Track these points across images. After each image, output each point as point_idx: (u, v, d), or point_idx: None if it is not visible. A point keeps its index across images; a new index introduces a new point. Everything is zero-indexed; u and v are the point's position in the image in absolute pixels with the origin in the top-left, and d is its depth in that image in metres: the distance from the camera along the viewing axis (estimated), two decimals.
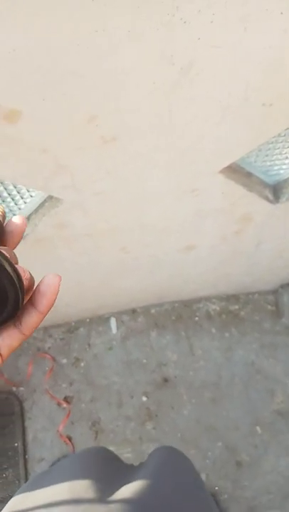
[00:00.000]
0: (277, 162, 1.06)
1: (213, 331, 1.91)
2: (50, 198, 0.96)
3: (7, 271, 0.31)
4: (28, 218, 1.01)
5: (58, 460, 1.64)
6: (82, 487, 0.66)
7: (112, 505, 0.61)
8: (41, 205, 0.99)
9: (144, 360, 1.84)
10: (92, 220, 1.07)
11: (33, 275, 0.36)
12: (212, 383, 1.80)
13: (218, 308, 1.97)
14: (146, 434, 1.70)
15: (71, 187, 0.88)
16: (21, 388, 1.78)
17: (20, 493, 0.70)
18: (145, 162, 0.85)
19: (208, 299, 1.98)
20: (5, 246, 0.38)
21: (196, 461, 1.64)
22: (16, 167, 0.77)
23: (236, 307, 1.97)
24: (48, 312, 0.35)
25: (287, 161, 1.06)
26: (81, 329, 1.91)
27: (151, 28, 0.55)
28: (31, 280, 0.35)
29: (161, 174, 0.91)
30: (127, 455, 1.65)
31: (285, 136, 0.98)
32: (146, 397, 1.77)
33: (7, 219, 0.39)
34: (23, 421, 1.73)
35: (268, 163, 1.06)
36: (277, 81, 0.69)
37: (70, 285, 1.47)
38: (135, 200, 1.01)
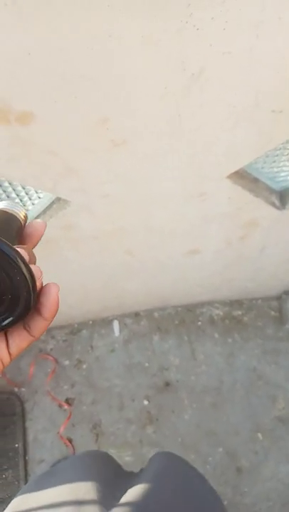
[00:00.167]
0: (284, 168, 1.06)
1: (216, 336, 1.91)
2: (58, 199, 0.97)
3: (22, 272, 0.31)
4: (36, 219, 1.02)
5: (58, 461, 1.64)
6: (83, 489, 0.66)
7: (114, 510, 0.61)
8: (49, 206, 1.00)
9: (146, 364, 1.84)
10: (99, 222, 1.07)
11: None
12: (213, 388, 1.80)
13: (221, 314, 1.96)
14: (147, 438, 1.69)
15: (79, 189, 0.89)
16: (23, 389, 1.78)
17: (22, 493, 0.70)
18: (154, 166, 0.86)
19: (211, 303, 1.98)
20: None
21: (196, 466, 1.63)
22: (26, 168, 0.78)
23: (239, 312, 1.97)
24: (53, 318, 0.36)
25: None
26: (84, 331, 1.92)
27: (165, 34, 0.55)
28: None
29: (169, 178, 0.92)
30: (127, 458, 1.65)
31: None
32: (148, 400, 1.76)
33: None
34: (24, 422, 1.73)
35: (275, 170, 1.07)
36: (287, 88, 0.69)
37: (74, 287, 1.48)
38: (142, 203, 1.02)
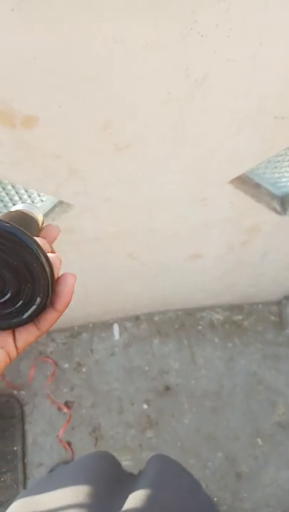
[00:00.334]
0: (286, 174, 1.07)
1: (216, 340, 1.91)
2: (61, 203, 0.97)
3: (39, 259, 0.31)
4: None
5: (57, 465, 1.63)
6: (84, 493, 0.66)
7: None
8: (51, 209, 1.00)
9: (146, 368, 1.84)
10: (102, 226, 1.08)
11: None
12: (213, 393, 1.79)
13: (221, 318, 1.96)
14: (146, 442, 1.69)
15: (82, 193, 0.89)
16: (22, 392, 1.78)
17: (23, 496, 0.70)
18: (156, 170, 0.86)
19: (211, 308, 1.98)
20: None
21: (195, 471, 1.63)
22: (29, 172, 0.78)
23: (240, 317, 1.97)
24: (64, 310, 0.36)
25: None
26: (84, 334, 1.92)
27: (169, 40, 0.56)
28: None
29: (171, 182, 0.92)
30: (126, 462, 1.64)
31: None
32: (147, 404, 1.76)
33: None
34: (23, 424, 1.73)
35: (277, 175, 1.07)
36: None
37: (75, 289, 1.47)
38: (144, 206, 1.02)
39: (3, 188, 0.93)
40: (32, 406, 1.76)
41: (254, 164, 0.90)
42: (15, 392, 1.78)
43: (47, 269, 0.32)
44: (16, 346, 0.36)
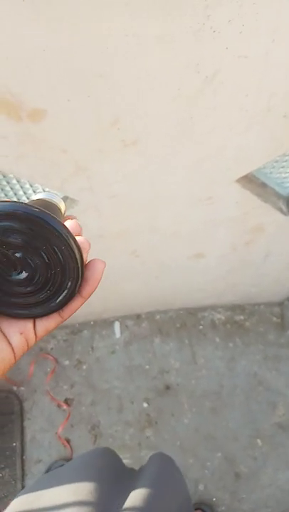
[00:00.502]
0: None
1: (217, 340, 1.91)
2: (66, 198, 0.97)
3: (68, 242, 0.31)
4: None
5: (55, 462, 1.63)
6: (86, 490, 0.66)
7: None
8: None
9: (147, 366, 1.84)
10: (106, 222, 1.07)
11: None
12: (213, 393, 1.79)
13: (223, 318, 1.96)
14: (146, 441, 1.68)
15: (88, 189, 0.88)
16: (22, 388, 1.78)
17: (24, 493, 0.70)
18: (163, 167, 0.86)
19: (213, 307, 1.98)
20: None
21: (194, 471, 1.63)
22: (35, 166, 0.78)
23: (241, 317, 1.96)
24: (89, 297, 0.35)
25: None
26: (85, 332, 1.91)
27: (181, 35, 0.55)
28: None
29: (177, 180, 0.91)
30: (125, 461, 1.63)
31: None
32: (147, 403, 1.76)
33: None
34: (22, 421, 1.73)
35: (283, 175, 1.06)
36: None
37: None
38: (149, 204, 1.01)
39: (8, 182, 0.92)
40: (31, 402, 1.75)
41: (262, 163, 0.89)
42: (14, 388, 1.77)
43: (76, 252, 0.31)
44: (35, 333, 0.35)
